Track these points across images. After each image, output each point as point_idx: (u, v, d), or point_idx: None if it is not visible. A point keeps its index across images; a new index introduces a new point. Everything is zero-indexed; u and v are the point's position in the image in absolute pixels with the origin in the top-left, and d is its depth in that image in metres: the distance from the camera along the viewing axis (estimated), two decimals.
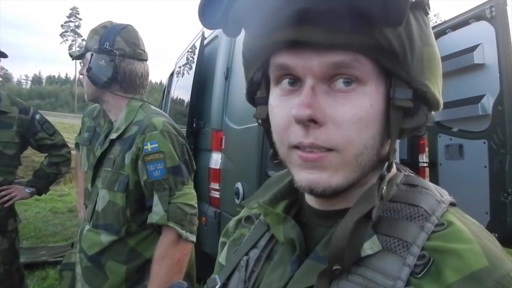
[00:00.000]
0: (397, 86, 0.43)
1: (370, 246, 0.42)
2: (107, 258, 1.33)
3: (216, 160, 2.95)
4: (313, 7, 0.36)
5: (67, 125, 18.49)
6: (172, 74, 5.00)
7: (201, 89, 3.24)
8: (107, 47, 1.37)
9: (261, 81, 0.50)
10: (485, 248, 0.41)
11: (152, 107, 1.50)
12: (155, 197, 1.29)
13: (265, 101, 0.50)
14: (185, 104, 3.68)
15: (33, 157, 6.97)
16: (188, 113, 3.23)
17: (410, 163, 3.39)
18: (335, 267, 0.41)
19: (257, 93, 0.53)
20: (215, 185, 2.96)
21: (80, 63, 1.52)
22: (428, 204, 0.46)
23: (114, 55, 1.37)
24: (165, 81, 6.40)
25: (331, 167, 0.43)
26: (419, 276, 0.40)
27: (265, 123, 0.51)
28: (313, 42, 0.39)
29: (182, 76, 4.08)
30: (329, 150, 0.42)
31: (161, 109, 5.98)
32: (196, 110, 3.23)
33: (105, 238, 1.33)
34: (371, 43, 0.39)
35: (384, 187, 0.44)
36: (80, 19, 74.30)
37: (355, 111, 0.41)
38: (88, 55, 1.42)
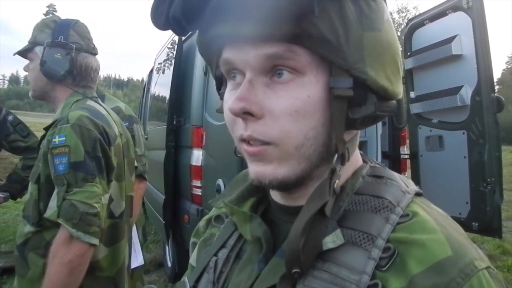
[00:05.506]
0: (336, 75, 0.41)
1: (332, 239, 0.42)
2: (28, 249, 1.31)
3: (197, 157, 2.91)
4: (237, 3, 0.38)
5: None
6: (151, 71, 4.92)
7: (180, 86, 3.19)
8: (61, 40, 1.36)
9: (222, 76, 0.50)
10: (449, 237, 0.40)
11: (88, 101, 1.42)
12: (55, 192, 1.24)
13: None
14: (166, 101, 3.63)
15: (12, 159, 6.77)
16: (168, 110, 3.19)
17: (392, 155, 3.42)
18: (294, 271, 0.40)
19: (221, 88, 0.53)
20: (197, 182, 2.92)
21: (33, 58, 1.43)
22: (393, 195, 0.45)
23: (71, 49, 1.36)
24: (145, 78, 6.30)
25: (274, 159, 0.43)
26: (384, 269, 0.40)
27: None
28: (244, 36, 0.40)
29: (162, 73, 4.02)
30: (268, 143, 0.42)
31: (141, 106, 5.90)
32: (176, 106, 3.19)
33: (27, 229, 1.32)
34: (300, 32, 0.39)
35: (337, 181, 0.43)
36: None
37: (290, 103, 0.41)
38: (38, 49, 1.38)
